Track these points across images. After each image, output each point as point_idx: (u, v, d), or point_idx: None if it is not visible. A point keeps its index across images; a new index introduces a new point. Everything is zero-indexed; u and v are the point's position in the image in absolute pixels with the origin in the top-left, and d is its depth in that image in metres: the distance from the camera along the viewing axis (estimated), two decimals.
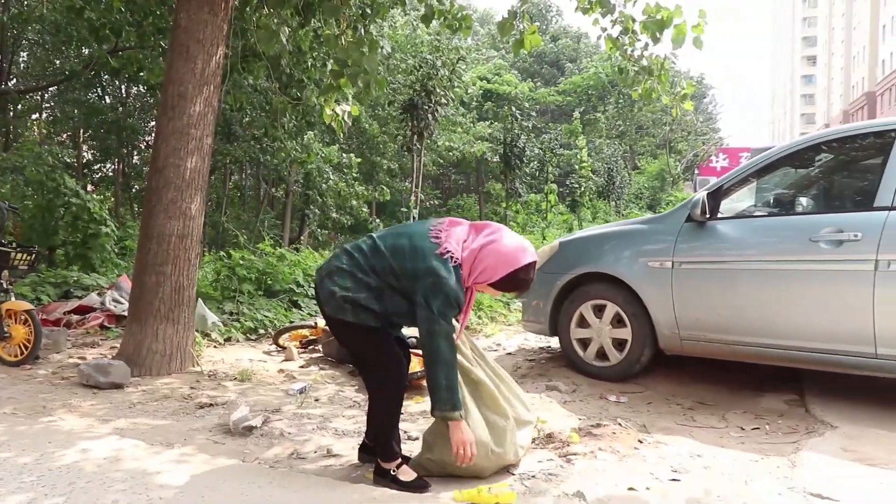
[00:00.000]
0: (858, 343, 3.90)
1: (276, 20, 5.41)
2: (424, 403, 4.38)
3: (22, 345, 5.12)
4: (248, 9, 6.60)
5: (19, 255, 5.21)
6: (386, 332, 2.97)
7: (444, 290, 2.70)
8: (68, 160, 11.47)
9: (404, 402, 4.37)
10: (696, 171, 39.21)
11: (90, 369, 4.52)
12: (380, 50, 5.54)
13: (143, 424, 3.79)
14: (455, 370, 2.82)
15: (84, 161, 20.98)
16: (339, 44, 5.49)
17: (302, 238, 19.66)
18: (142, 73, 9.70)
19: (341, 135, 6.84)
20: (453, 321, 2.83)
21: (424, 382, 4.68)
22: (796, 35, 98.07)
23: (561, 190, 23.24)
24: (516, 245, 2.82)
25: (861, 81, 66.00)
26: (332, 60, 5.73)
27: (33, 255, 5.30)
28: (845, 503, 2.78)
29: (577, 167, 22.87)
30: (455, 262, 2.77)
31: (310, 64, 8.34)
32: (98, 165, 22.83)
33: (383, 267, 2.82)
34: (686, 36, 5.58)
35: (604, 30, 5.78)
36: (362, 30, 5.63)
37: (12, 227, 9.83)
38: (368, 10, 6.51)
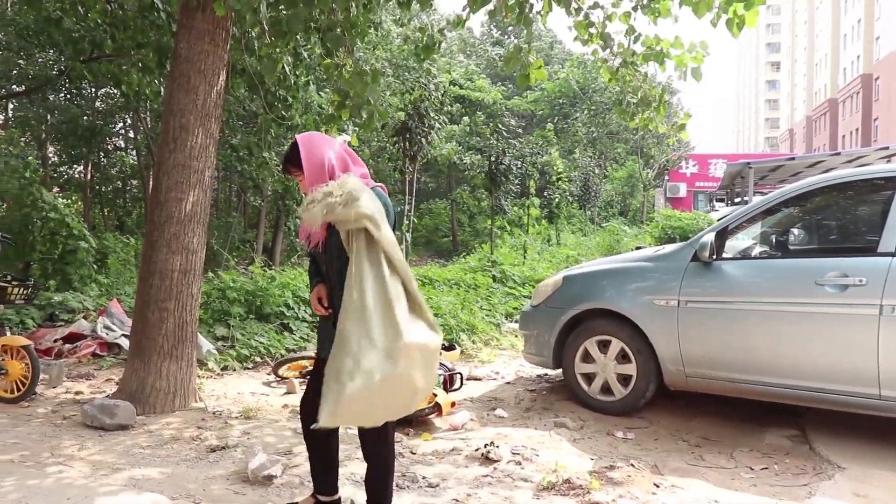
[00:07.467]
0: (863, 384, 4.01)
1: (277, 49, 5.36)
2: (433, 441, 4.38)
3: (19, 381, 4.98)
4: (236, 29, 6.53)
5: (16, 290, 5.07)
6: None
7: None
8: (31, 160, 11.19)
9: (411, 441, 4.38)
10: (667, 177, 39.78)
11: (95, 410, 4.43)
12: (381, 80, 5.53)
13: (157, 473, 3.73)
14: None
15: (49, 163, 20.48)
16: (340, 74, 5.47)
17: (277, 248, 19.47)
18: (122, 87, 9.53)
19: None
20: None
21: (432, 418, 4.71)
22: (760, 41, 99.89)
23: (539, 201, 23.38)
24: None
25: (823, 88, 67.39)
26: (333, 91, 5.69)
27: (30, 289, 5.17)
28: None
29: (553, 178, 22.98)
30: None
31: (293, 82, 8.30)
32: (64, 168, 22.34)
33: None
34: (687, 67, 5.67)
35: (604, 62, 5.85)
36: (361, 55, 5.64)
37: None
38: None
